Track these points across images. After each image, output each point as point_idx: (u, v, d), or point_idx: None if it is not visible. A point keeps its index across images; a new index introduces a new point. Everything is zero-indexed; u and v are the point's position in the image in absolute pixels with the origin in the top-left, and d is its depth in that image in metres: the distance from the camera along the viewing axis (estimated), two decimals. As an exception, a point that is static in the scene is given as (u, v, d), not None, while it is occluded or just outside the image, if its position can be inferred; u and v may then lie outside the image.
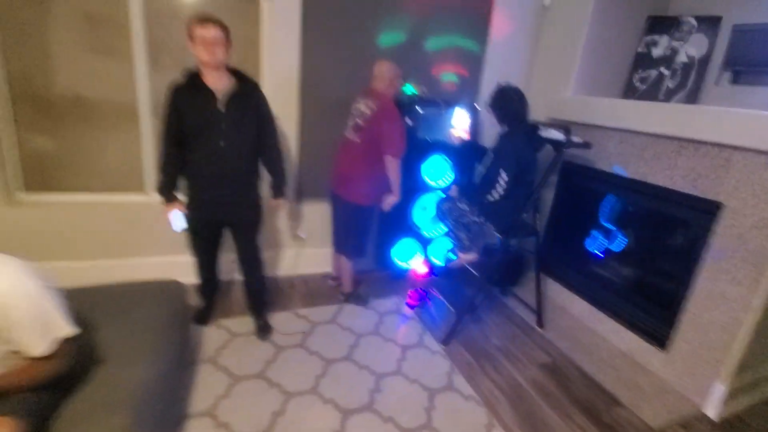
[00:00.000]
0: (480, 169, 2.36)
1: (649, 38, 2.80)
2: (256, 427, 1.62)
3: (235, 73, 1.84)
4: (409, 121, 2.50)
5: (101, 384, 1.25)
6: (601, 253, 2.78)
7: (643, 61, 2.83)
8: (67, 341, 1.11)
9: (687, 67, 2.65)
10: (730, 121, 1.88)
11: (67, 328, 1.11)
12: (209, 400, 1.72)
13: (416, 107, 2.57)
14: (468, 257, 2.33)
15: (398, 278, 2.88)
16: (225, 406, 1.70)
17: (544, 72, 3.02)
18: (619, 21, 2.75)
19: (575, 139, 2.18)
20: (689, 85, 2.65)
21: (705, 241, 2.00)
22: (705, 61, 2.59)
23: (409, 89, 2.64)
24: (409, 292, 2.74)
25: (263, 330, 2.17)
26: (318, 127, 2.62)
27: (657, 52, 2.76)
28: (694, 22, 2.62)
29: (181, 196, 1.95)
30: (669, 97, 2.72)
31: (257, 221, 2.04)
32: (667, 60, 2.73)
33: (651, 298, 2.36)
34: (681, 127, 2.06)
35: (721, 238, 1.94)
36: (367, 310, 2.51)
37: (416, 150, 2.53)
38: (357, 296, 2.57)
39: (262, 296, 2.23)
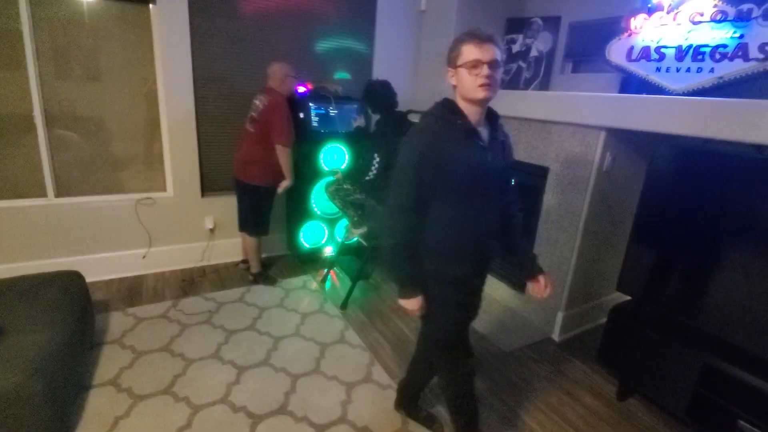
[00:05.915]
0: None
1: (509, 37, 3.28)
2: (157, 387, 1.83)
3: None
4: (301, 115, 2.79)
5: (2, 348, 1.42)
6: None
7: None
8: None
9: (538, 60, 3.15)
10: (549, 103, 2.35)
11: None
12: (113, 372, 1.90)
13: (309, 103, 2.85)
14: (359, 231, 2.65)
15: (307, 259, 3.15)
16: (128, 375, 1.89)
17: (427, 68, 3.43)
18: (481, 23, 3.20)
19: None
20: (541, 75, 3.16)
21: (541, 198, 2.46)
22: (551, 54, 3.10)
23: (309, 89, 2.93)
24: (317, 271, 3.03)
25: None
26: (215, 125, 2.85)
27: (515, 48, 3.25)
28: (540, 21, 3.12)
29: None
30: (527, 85, 3.22)
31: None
32: (523, 55, 3.22)
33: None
34: (515, 109, 2.52)
35: (550, 195, 2.41)
36: (275, 288, 2.76)
37: (313, 140, 2.83)
38: (266, 276, 2.81)
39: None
